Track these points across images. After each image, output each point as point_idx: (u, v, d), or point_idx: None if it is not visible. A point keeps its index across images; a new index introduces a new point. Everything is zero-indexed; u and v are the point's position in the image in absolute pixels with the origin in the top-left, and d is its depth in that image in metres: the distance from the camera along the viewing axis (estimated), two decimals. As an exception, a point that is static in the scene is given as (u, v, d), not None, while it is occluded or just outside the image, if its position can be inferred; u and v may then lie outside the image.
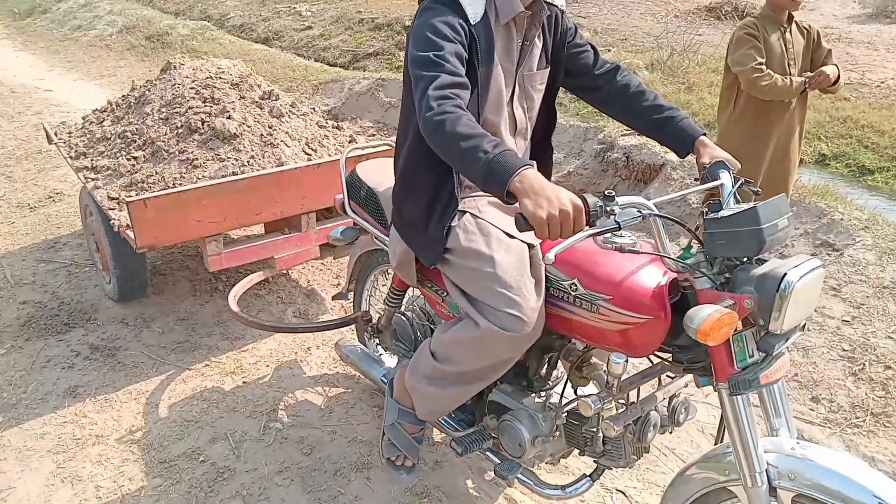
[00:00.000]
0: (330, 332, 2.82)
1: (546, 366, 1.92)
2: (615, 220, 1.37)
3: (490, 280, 1.66)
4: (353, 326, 2.74)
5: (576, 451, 1.87)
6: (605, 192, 1.40)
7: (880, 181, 5.12)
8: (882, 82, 7.19)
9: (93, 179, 3.03)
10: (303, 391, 2.68)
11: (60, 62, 8.97)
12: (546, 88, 1.96)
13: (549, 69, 1.92)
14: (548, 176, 2.10)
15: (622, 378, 1.60)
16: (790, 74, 2.92)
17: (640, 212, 1.42)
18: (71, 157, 3.29)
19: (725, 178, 1.69)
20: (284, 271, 3.29)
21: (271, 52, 8.79)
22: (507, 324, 1.62)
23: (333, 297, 2.77)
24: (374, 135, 5.93)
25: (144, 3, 12.85)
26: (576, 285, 1.62)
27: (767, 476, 1.45)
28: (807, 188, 3.80)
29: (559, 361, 1.92)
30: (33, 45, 10.06)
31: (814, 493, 1.38)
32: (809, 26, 3.00)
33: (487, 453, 1.93)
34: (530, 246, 1.75)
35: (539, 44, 1.89)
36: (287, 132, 3.09)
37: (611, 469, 1.86)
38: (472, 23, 1.68)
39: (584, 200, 1.34)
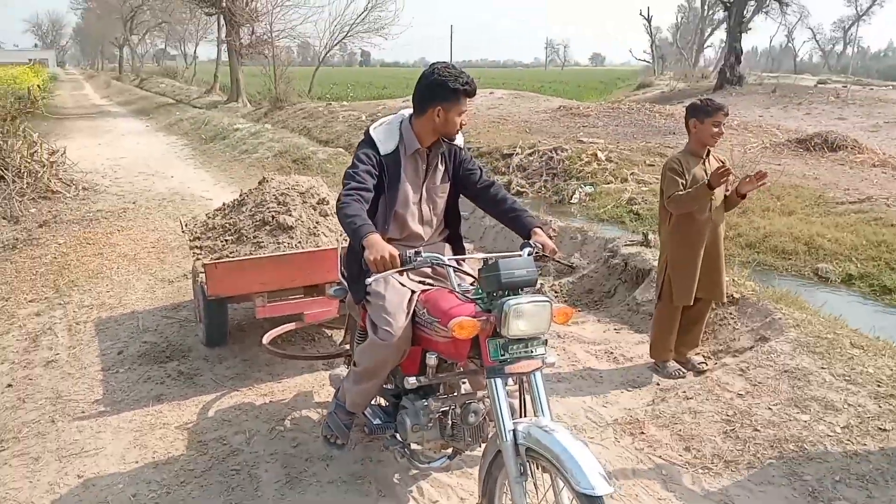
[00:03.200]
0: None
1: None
2: (415, 264, 2.30)
3: (379, 309, 2.62)
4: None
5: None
6: (416, 250, 2.35)
7: (897, 300, 5.38)
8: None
9: (197, 254, 4.35)
10: (307, 409, 3.65)
11: (225, 178, 11.17)
12: (449, 196, 2.96)
13: (449, 184, 2.93)
14: (460, 254, 3.04)
15: (436, 368, 2.45)
16: (712, 196, 3.68)
17: (430, 262, 2.35)
18: (189, 240, 4.67)
19: (524, 252, 2.56)
20: (314, 324, 4.33)
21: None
22: (382, 335, 2.56)
23: (339, 344, 3.78)
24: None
25: (302, 134, 15.43)
26: (426, 313, 2.53)
27: (515, 437, 2.21)
28: (766, 293, 4.34)
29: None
30: (209, 163, 12.52)
31: (535, 446, 2.14)
32: (724, 160, 3.76)
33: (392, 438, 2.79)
34: (413, 291, 2.68)
35: (441, 168, 2.91)
36: (328, 227, 4.27)
37: (461, 452, 2.65)
38: (383, 154, 2.73)
39: (400, 253, 2.29)
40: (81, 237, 7.75)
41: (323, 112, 16.86)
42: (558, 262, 2.74)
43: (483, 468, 2.40)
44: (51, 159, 10.54)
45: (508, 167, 10.27)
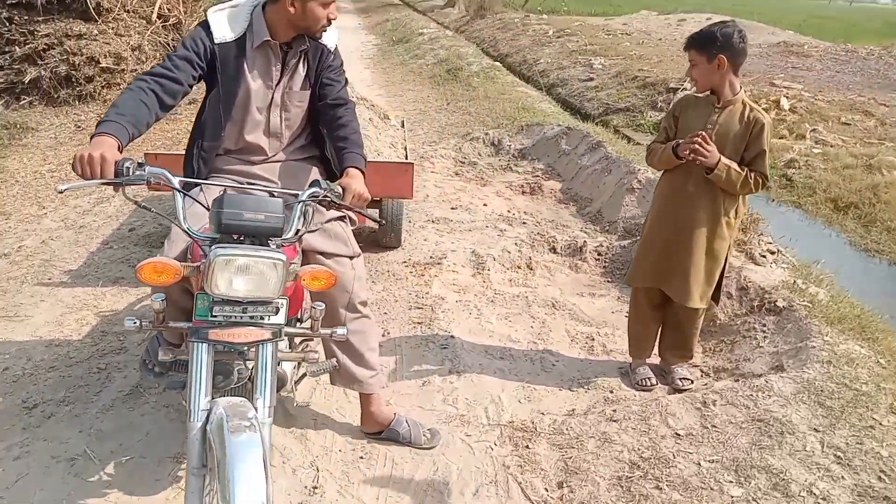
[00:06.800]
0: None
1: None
2: (126, 178, 1.83)
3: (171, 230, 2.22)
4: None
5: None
6: (139, 161, 1.87)
7: None
8: None
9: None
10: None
11: (381, 75, 11.11)
12: (310, 109, 2.40)
13: (310, 92, 2.37)
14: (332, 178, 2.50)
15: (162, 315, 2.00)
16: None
17: (149, 180, 1.85)
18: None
19: (305, 192, 1.96)
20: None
21: (531, 94, 9.58)
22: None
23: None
24: (538, 176, 6.33)
25: (487, 45, 14.83)
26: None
27: (208, 418, 1.74)
28: (825, 307, 3.15)
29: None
30: (378, 65, 12.51)
31: (214, 437, 1.67)
32: (755, 118, 2.65)
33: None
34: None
35: (302, 71, 2.35)
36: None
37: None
38: (217, 41, 2.24)
39: (117, 161, 1.83)
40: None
41: (517, 24, 16.01)
42: (361, 213, 2.09)
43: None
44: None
45: (668, 104, 8.88)
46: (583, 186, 5.84)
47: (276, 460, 2.47)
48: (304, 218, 1.97)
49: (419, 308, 3.62)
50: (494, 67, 10.90)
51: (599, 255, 4.44)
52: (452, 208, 5.27)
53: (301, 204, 1.95)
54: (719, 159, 2.58)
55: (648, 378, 2.97)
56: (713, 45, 2.58)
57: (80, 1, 7.84)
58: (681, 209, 2.75)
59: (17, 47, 7.70)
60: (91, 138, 1.92)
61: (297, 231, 1.95)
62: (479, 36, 16.07)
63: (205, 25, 2.26)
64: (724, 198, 2.70)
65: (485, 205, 5.42)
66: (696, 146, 2.55)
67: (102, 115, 2.01)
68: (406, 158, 4.12)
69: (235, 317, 1.79)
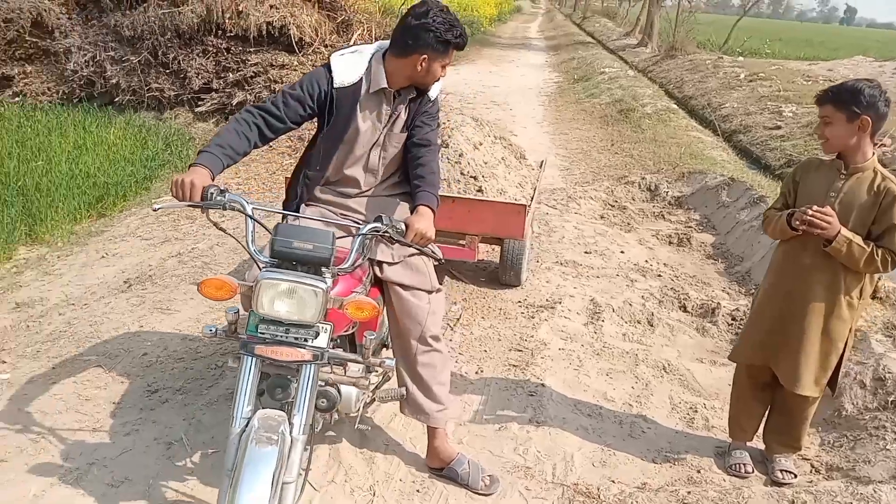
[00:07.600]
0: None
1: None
2: (207, 203, 2.05)
3: None
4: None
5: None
6: (222, 188, 2.08)
7: None
8: None
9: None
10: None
11: (553, 112, 11.17)
12: (404, 148, 2.53)
13: (405, 134, 2.50)
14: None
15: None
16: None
17: (226, 205, 2.05)
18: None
19: (366, 226, 2.06)
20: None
21: (704, 140, 9.09)
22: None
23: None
24: (691, 226, 5.99)
25: (672, 86, 14.32)
26: None
27: (247, 425, 1.90)
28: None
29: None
30: (552, 102, 12.57)
31: (243, 443, 1.85)
32: (888, 188, 2.32)
33: None
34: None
35: (404, 115, 2.50)
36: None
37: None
38: (337, 85, 2.43)
39: (206, 187, 2.06)
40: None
41: (708, 66, 15.29)
42: (421, 251, 2.18)
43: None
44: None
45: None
46: (736, 243, 5.44)
47: (338, 478, 2.59)
48: (363, 251, 2.09)
49: (519, 351, 3.59)
50: (669, 110, 10.51)
51: (734, 319, 4.10)
52: (586, 252, 5.16)
53: (361, 237, 2.07)
54: (839, 230, 2.31)
55: (744, 464, 2.69)
56: (857, 103, 2.32)
57: (286, 36, 8.80)
58: (795, 282, 2.49)
59: (230, 73, 8.76)
60: (189, 166, 2.19)
61: (355, 262, 2.06)
62: (666, 76, 15.55)
63: (327, 69, 2.46)
64: (845, 274, 2.40)
65: (622, 252, 5.24)
66: (811, 219, 2.31)
67: (206, 143, 2.28)
68: (532, 199, 4.12)
69: (279, 336, 1.94)
